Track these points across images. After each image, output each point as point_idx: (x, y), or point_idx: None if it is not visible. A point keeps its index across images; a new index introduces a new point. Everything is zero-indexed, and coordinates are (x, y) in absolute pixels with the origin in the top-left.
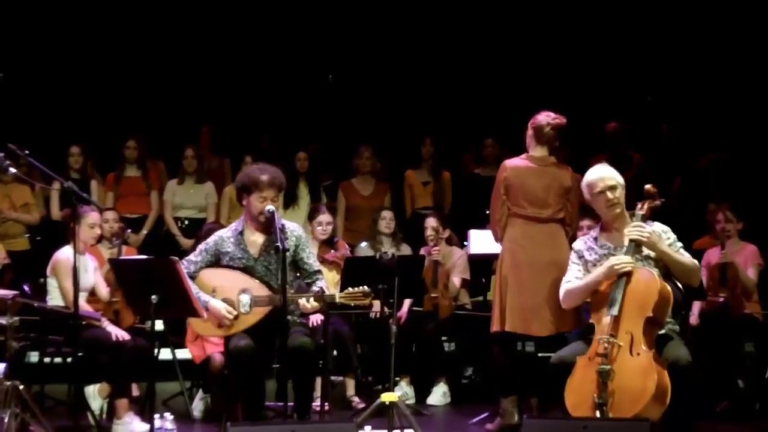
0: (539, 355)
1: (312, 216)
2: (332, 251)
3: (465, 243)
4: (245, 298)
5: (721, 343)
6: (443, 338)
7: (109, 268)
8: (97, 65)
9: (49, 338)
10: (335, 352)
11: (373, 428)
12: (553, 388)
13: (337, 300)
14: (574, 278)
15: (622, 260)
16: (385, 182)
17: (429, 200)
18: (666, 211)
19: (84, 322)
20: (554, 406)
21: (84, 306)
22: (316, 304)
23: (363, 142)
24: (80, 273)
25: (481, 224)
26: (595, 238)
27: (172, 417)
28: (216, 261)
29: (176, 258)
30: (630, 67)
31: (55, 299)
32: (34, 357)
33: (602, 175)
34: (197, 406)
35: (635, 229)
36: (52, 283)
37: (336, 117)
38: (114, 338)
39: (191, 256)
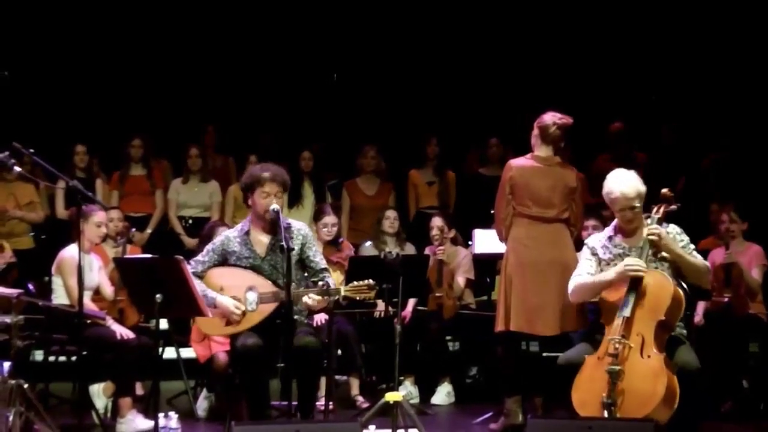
0: (544, 354)
1: (317, 217)
2: (337, 252)
3: (469, 243)
4: (252, 296)
5: (726, 343)
6: (447, 338)
7: (114, 267)
8: (102, 64)
9: (53, 337)
10: (339, 352)
11: (377, 428)
12: (558, 389)
13: (342, 293)
14: (585, 273)
15: (636, 263)
16: (389, 182)
17: (433, 200)
18: (673, 213)
19: (88, 321)
20: (558, 406)
21: (89, 305)
22: (320, 298)
23: (367, 141)
24: (85, 272)
25: (486, 224)
26: (610, 237)
27: (176, 416)
28: (223, 261)
29: (181, 257)
30: (635, 66)
31: (59, 298)
32: (38, 355)
33: (626, 192)
34: (201, 405)
35: (654, 231)
36: (56, 282)
37: (340, 116)
38: (118, 337)
39: (199, 257)
